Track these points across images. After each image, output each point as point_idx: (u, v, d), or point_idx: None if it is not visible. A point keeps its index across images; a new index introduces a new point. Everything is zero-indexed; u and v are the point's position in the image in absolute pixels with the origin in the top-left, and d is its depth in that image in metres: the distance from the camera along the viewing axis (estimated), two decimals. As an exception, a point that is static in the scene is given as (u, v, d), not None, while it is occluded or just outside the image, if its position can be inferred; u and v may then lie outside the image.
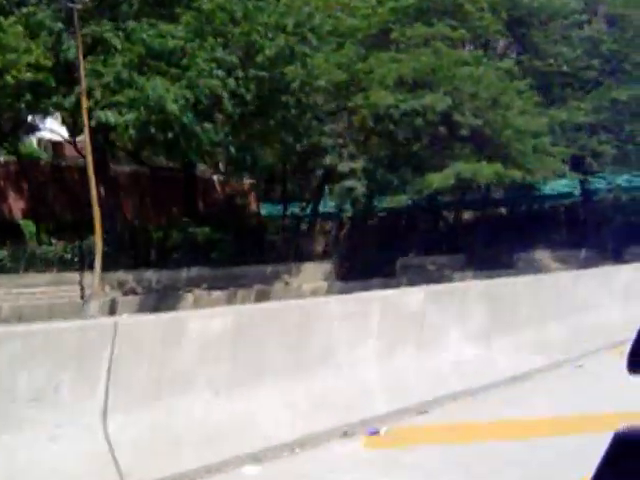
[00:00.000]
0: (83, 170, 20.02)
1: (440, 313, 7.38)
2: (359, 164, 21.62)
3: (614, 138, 27.62)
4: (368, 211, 23.59)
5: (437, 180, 19.83)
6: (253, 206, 31.68)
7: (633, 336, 1.73)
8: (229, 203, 30.25)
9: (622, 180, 30.66)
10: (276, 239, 27.69)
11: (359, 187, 21.49)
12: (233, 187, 31.61)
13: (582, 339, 9.25)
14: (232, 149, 18.21)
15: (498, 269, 28.00)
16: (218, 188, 32.05)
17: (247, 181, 31.79)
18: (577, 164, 30.26)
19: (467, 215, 36.98)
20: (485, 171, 19.71)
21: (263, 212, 30.92)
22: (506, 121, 20.70)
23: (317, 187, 25.62)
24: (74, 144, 23.83)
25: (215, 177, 31.75)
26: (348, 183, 21.71)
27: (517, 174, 21.08)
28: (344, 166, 21.80)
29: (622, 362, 1.77)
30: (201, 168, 29.95)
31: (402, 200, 21.13)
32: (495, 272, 27.12)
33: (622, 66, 29.44)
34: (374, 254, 25.09)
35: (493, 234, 31.26)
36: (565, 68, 25.48)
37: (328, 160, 22.22)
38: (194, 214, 25.45)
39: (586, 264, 28.55)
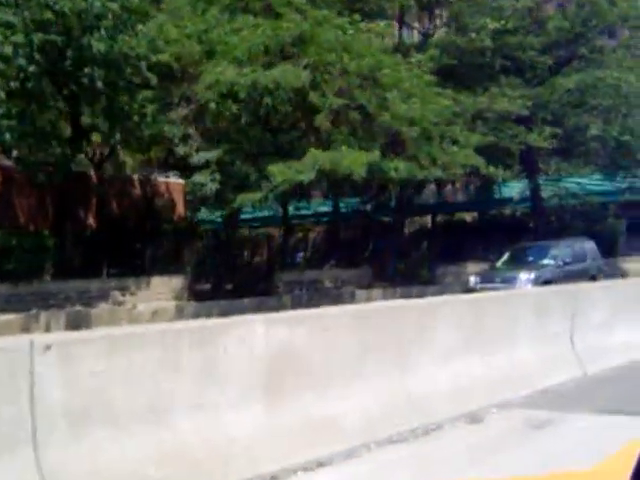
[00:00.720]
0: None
1: None
2: (214, 155, 17.72)
3: (558, 132, 23.17)
4: (233, 214, 19.55)
5: (286, 173, 15.69)
6: (180, 209, 28.01)
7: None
8: (149, 206, 26.66)
9: (570, 183, 26.25)
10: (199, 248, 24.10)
11: (210, 183, 17.56)
12: (156, 187, 27.99)
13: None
14: (8, 135, 14.33)
15: (418, 285, 23.86)
16: (138, 188, 28.46)
17: (178, 180, 28.16)
18: (527, 163, 26.10)
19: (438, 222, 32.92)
20: (346, 162, 15.50)
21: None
22: (383, 104, 16.62)
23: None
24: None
25: (136, 176, 28.16)
26: (197, 178, 17.81)
27: (400, 166, 16.91)
28: (197, 158, 17.96)
29: None
30: (130, 164, 26.67)
31: (256, 198, 17.03)
32: (413, 289, 22.95)
33: (578, 49, 25.17)
34: (254, 267, 21.14)
35: (421, 244, 27.13)
36: (489, 43, 21.14)
37: (181, 151, 18.43)
38: (65, 218, 21.78)
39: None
